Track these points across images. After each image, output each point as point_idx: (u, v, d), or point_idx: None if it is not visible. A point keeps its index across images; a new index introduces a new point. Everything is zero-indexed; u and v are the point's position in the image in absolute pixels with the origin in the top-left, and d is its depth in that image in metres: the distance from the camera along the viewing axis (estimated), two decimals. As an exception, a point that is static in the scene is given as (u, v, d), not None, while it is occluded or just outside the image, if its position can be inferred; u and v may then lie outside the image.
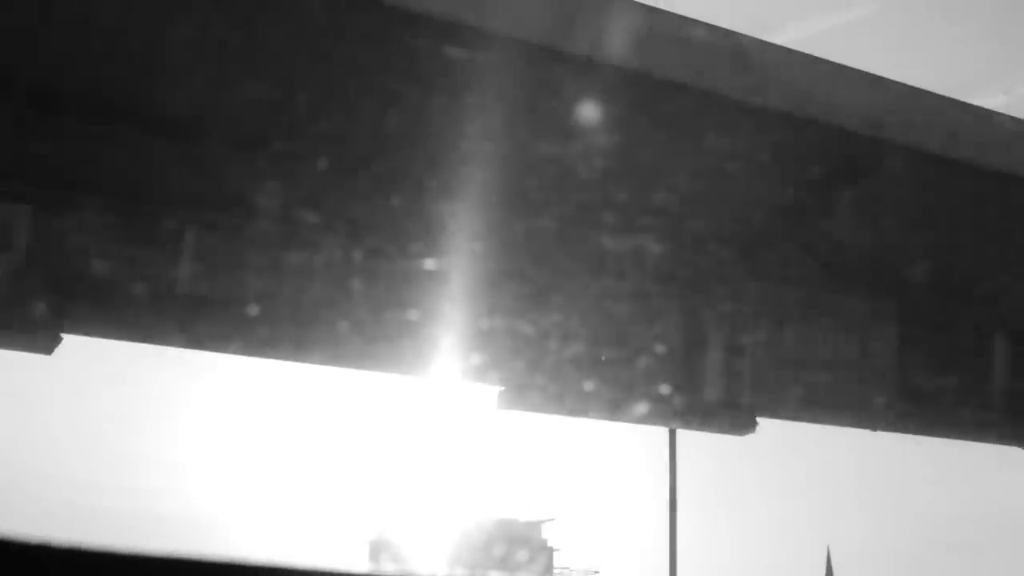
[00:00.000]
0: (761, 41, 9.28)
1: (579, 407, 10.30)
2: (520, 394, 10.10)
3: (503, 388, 10.20)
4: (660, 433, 12.76)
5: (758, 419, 10.70)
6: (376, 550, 36.28)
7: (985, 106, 10.42)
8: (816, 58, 9.62)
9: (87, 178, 8.76)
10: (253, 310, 9.35)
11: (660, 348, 10.10)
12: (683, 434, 12.30)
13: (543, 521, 39.63)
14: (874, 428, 11.44)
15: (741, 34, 9.13)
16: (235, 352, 9.84)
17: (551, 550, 40.06)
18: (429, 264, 9.71)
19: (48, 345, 9.19)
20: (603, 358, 9.94)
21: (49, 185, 8.66)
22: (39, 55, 8.05)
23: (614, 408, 10.29)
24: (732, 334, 10.34)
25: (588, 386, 10.01)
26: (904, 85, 9.99)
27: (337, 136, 9.04)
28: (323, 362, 10.30)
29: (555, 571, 37.98)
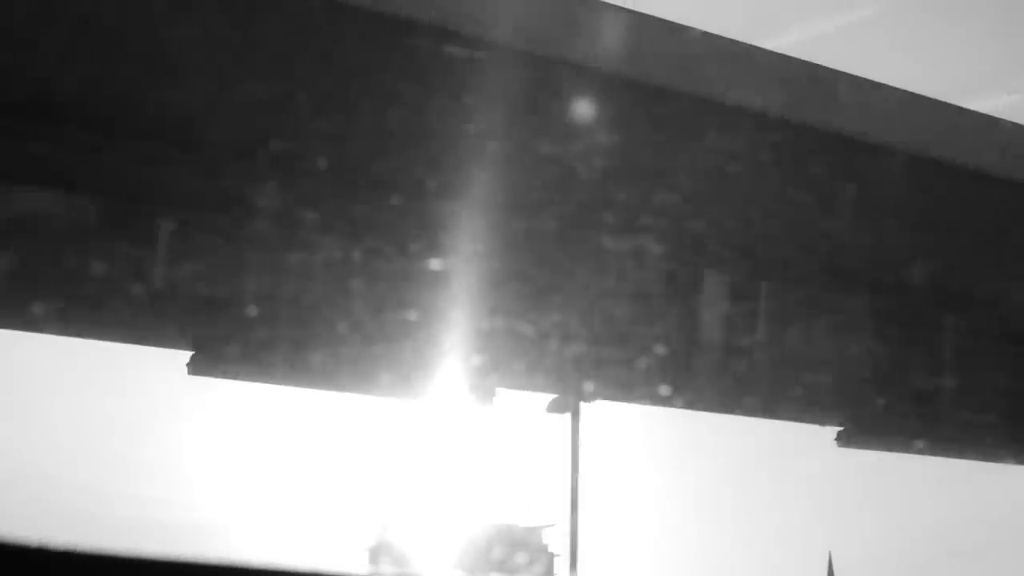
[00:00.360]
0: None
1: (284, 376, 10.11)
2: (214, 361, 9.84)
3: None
4: (665, 436, 12.77)
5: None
6: (375, 554, 36.28)
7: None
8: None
9: (86, 179, 8.77)
10: (252, 311, 9.35)
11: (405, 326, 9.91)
12: (689, 436, 12.23)
13: (543, 526, 39.53)
14: (645, 402, 11.22)
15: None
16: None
17: (552, 555, 39.95)
18: (431, 264, 9.72)
19: None
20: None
21: (49, 186, 8.67)
22: (39, 56, 8.06)
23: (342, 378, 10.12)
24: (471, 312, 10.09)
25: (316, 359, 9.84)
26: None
27: (337, 136, 9.05)
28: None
29: (554, 577, 37.84)
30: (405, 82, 8.58)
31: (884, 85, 9.83)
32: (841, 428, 11.23)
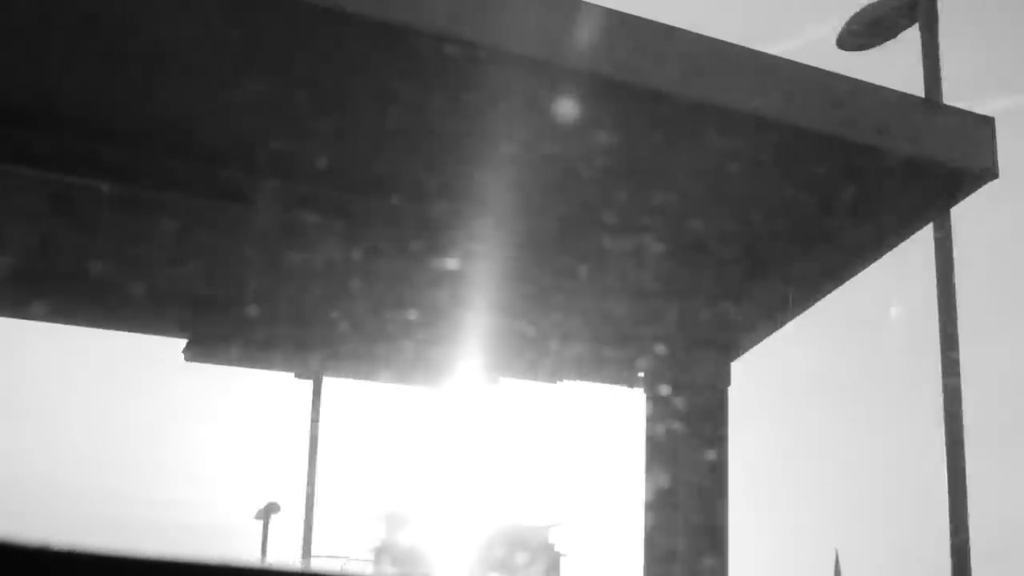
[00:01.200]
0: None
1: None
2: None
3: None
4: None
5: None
6: (380, 554, 36.37)
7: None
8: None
9: (85, 179, 8.82)
10: (253, 309, 9.40)
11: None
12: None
13: (550, 526, 39.64)
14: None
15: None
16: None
17: (558, 555, 40.07)
18: (431, 263, 9.78)
19: None
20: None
21: (48, 183, 8.72)
22: (38, 57, 8.11)
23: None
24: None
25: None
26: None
27: (337, 134, 9.09)
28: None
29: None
30: (404, 83, 8.62)
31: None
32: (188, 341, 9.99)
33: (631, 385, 10.88)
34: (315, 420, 15.97)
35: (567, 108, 8.62)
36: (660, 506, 10.09)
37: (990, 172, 9.62)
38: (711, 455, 10.14)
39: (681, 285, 10.52)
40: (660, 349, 10.46)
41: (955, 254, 14.57)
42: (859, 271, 11.04)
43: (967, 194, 10.01)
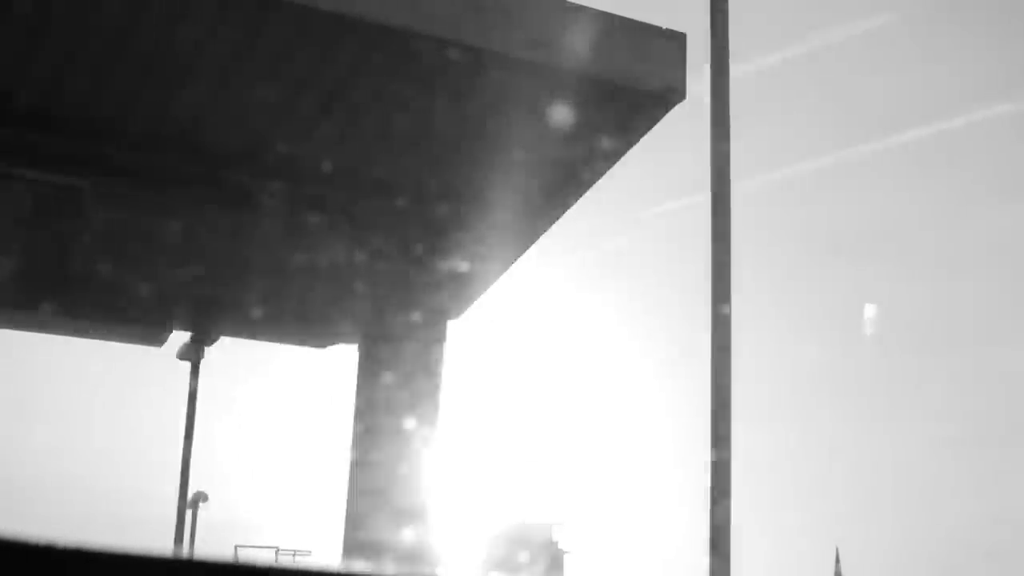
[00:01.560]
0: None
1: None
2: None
3: None
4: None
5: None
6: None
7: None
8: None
9: (91, 182, 8.88)
10: (258, 311, 9.49)
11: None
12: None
13: (553, 524, 39.64)
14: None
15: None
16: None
17: (561, 552, 40.12)
18: (435, 265, 9.86)
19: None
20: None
21: (54, 186, 8.78)
22: (42, 55, 8.19)
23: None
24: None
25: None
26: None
27: (341, 138, 9.16)
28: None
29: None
30: (408, 86, 8.69)
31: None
32: None
33: (348, 342, 10.52)
34: (192, 400, 15.87)
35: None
36: (366, 461, 9.89)
37: (677, 92, 8.54)
38: (421, 407, 9.82)
39: (387, 243, 9.95)
40: (372, 307, 10.06)
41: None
42: (565, 207, 10.06)
43: (659, 115, 8.80)
